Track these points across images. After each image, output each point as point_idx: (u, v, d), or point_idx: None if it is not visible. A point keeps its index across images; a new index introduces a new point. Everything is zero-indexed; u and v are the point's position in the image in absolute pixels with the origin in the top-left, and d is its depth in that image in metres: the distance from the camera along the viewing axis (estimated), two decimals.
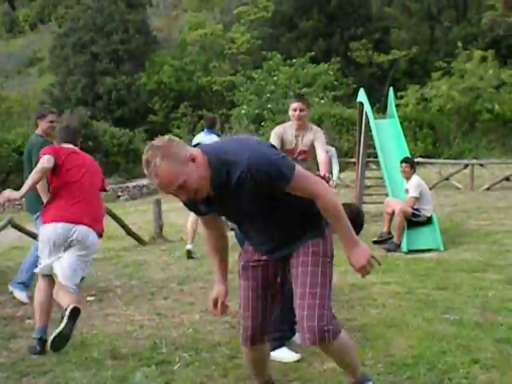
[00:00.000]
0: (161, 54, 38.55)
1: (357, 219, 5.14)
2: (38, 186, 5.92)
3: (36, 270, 5.74)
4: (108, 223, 12.76)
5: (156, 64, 37.19)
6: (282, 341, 5.26)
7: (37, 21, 66.95)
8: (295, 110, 7.27)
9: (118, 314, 6.86)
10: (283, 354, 5.17)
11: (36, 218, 7.30)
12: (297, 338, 5.57)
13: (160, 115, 34.99)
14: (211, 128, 10.30)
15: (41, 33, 60.97)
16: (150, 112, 34.65)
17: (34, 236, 10.57)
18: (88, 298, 7.62)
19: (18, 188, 5.77)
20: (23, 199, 6.59)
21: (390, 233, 10.27)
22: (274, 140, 7.34)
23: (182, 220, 12.72)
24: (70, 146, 6.01)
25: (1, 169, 24.74)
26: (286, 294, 5.26)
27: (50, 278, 5.57)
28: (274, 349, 5.18)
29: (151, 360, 5.24)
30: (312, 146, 7.45)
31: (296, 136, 7.47)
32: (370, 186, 14.57)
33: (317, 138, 7.46)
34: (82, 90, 35.90)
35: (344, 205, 5.18)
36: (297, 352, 5.21)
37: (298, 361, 5.11)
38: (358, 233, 5.02)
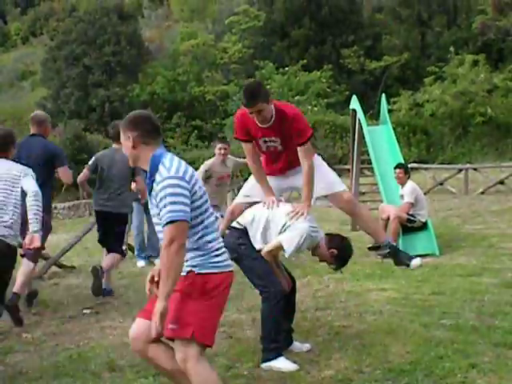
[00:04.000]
0: (153, 65, 38.50)
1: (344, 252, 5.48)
2: None
3: None
4: None
5: (149, 75, 37.17)
6: (279, 350, 5.26)
7: (29, 34, 66.93)
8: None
9: (115, 326, 6.85)
10: (281, 364, 5.17)
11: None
12: (295, 346, 5.58)
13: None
14: None
15: (33, 46, 60.97)
16: None
17: None
18: (84, 311, 7.61)
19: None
20: None
21: None
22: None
23: None
24: None
25: None
26: (281, 305, 5.31)
27: None
28: (271, 359, 5.19)
29: (149, 372, 5.22)
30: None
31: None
32: (364, 193, 14.61)
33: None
34: (75, 102, 35.83)
35: (339, 235, 5.32)
36: (294, 362, 5.21)
37: (296, 370, 5.10)
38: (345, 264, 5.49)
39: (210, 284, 3.84)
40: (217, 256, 3.91)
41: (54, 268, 10.48)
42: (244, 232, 5.41)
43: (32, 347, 6.26)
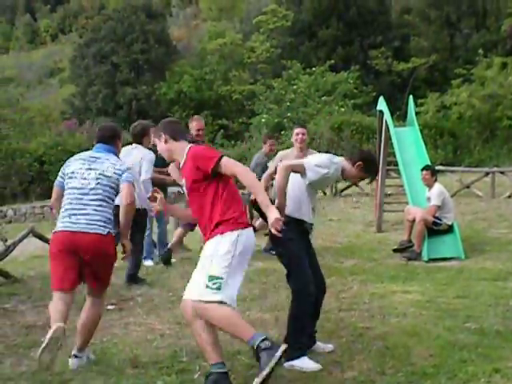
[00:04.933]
0: (181, 63, 38.65)
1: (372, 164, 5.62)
2: None
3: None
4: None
5: (176, 74, 37.31)
6: (302, 351, 5.26)
7: (58, 31, 67.58)
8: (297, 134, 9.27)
9: (139, 322, 6.87)
10: (304, 364, 5.17)
11: None
12: (318, 346, 5.58)
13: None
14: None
15: (62, 43, 61.54)
16: None
17: None
18: (108, 307, 7.63)
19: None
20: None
21: (410, 241, 10.23)
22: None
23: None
24: None
25: (23, 178, 24.89)
26: (310, 308, 5.33)
27: None
28: (294, 358, 5.19)
29: (171, 369, 5.25)
30: None
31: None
32: (390, 194, 14.53)
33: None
34: (103, 100, 36.09)
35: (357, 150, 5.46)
36: (317, 362, 5.20)
37: (319, 370, 5.10)
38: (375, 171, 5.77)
39: None
40: None
41: None
42: (293, 223, 5.38)
43: None
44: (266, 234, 8.16)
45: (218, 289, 4.52)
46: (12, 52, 65.44)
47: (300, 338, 5.31)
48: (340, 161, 5.51)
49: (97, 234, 5.37)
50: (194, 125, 9.84)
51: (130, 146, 8.99)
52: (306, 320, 5.37)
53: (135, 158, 8.75)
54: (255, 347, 4.40)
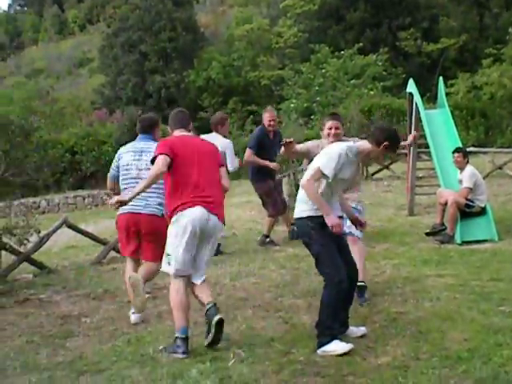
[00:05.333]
0: (208, 50, 38.62)
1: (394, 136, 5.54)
2: None
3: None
4: None
5: (204, 61, 37.29)
6: (334, 336, 5.25)
7: (86, 22, 67.89)
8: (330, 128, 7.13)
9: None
10: (335, 346, 5.17)
11: None
12: (351, 331, 5.57)
13: (209, 112, 35.11)
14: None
15: (90, 33, 61.84)
16: (200, 109, 34.73)
17: (89, 235, 10.77)
18: None
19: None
20: None
21: (443, 224, 10.15)
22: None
23: (234, 216, 12.77)
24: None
25: (55, 169, 25.10)
26: (342, 294, 5.34)
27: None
28: (325, 343, 5.20)
29: (206, 356, 5.28)
30: None
31: None
32: (421, 177, 14.40)
33: None
34: (132, 88, 36.18)
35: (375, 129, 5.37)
36: (348, 342, 5.20)
37: (352, 355, 5.09)
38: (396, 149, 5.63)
39: None
40: None
41: (112, 253, 10.63)
42: (312, 216, 5.43)
43: (91, 332, 6.38)
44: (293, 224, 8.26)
45: (168, 263, 5.64)
46: (41, 43, 65.94)
47: (332, 324, 5.31)
48: (353, 144, 5.54)
49: (153, 215, 6.64)
50: (266, 115, 10.45)
51: (210, 134, 9.94)
52: (338, 307, 5.36)
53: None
54: (174, 339, 5.49)
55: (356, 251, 6.45)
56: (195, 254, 5.65)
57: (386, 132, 5.47)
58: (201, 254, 5.71)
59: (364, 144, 5.50)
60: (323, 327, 5.29)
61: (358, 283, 6.12)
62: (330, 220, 5.27)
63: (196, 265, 5.70)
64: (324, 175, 5.33)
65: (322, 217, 5.38)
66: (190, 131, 6.33)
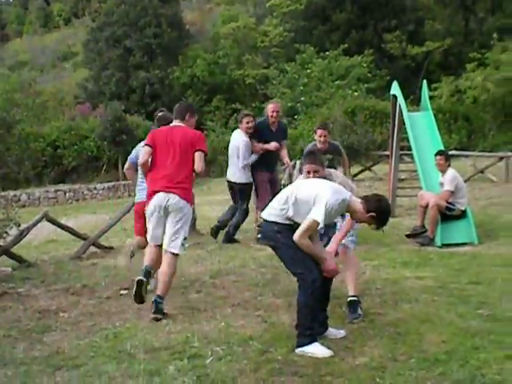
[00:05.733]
0: (194, 47, 38.54)
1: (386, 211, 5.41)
2: None
3: None
4: None
5: (189, 58, 37.22)
6: (314, 337, 5.27)
7: (71, 15, 67.55)
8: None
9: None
10: (315, 350, 5.18)
11: None
12: (330, 332, 5.58)
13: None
14: None
15: (75, 27, 61.48)
16: None
17: (69, 230, 10.71)
18: (121, 292, 7.68)
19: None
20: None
21: (423, 226, 10.20)
22: None
23: (216, 212, 12.76)
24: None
25: (36, 163, 24.98)
26: (317, 293, 5.34)
27: None
28: (305, 344, 5.20)
29: (183, 354, 5.27)
30: None
31: None
32: (403, 179, 14.48)
33: None
34: (116, 84, 36.03)
35: (375, 196, 5.29)
36: (329, 348, 5.21)
37: (331, 356, 5.10)
38: (385, 223, 5.41)
39: None
40: None
41: (92, 248, 10.59)
42: (279, 222, 5.44)
43: (69, 327, 6.34)
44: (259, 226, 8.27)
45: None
46: (25, 36, 65.48)
47: (310, 324, 5.31)
48: (348, 198, 5.40)
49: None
50: (270, 106, 10.88)
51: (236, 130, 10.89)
52: (315, 306, 5.36)
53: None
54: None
55: (346, 263, 6.47)
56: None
57: (378, 204, 5.38)
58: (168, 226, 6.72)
59: (356, 203, 5.40)
60: (303, 328, 5.29)
61: (350, 298, 6.15)
62: (328, 265, 5.42)
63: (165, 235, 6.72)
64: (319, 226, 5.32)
65: (289, 225, 5.42)
66: (187, 121, 7.03)
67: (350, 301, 6.18)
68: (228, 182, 10.73)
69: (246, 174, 10.41)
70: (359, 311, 6.14)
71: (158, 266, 6.74)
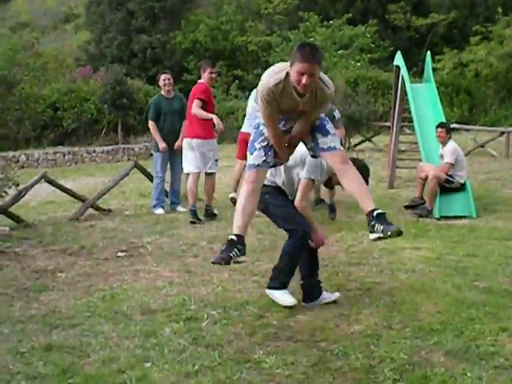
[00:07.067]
0: (197, 12, 38.21)
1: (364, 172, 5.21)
2: None
3: None
4: (141, 181, 12.88)
5: (192, 23, 36.91)
6: (285, 284, 5.53)
7: None
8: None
9: (148, 270, 6.92)
10: (282, 296, 5.48)
11: None
12: (324, 296, 5.62)
13: (195, 74, 34.68)
14: None
15: None
16: (185, 71, 34.45)
17: (67, 191, 10.71)
18: (119, 254, 7.70)
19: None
20: None
21: (422, 198, 10.21)
22: None
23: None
24: None
25: (36, 124, 24.87)
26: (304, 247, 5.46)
27: None
28: (275, 288, 5.53)
29: (180, 316, 5.30)
30: None
31: None
32: (403, 151, 14.44)
33: None
34: (118, 47, 35.77)
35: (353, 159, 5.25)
36: (324, 315, 5.25)
37: (326, 322, 5.12)
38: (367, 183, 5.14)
39: None
40: None
41: (90, 210, 10.59)
42: (266, 184, 5.47)
43: (66, 287, 6.36)
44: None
45: None
46: None
47: (289, 272, 5.53)
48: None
49: None
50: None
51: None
52: (297, 259, 5.52)
53: None
54: None
55: (352, 173, 4.84)
56: None
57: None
58: None
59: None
60: (278, 272, 5.54)
61: (377, 211, 4.57)
62: (318, 234, 5.58)
63: None
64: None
65: (276, 186, 5.60)
66: None
67: (379, 213, 4.55)
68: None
69: None
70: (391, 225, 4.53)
71: None
